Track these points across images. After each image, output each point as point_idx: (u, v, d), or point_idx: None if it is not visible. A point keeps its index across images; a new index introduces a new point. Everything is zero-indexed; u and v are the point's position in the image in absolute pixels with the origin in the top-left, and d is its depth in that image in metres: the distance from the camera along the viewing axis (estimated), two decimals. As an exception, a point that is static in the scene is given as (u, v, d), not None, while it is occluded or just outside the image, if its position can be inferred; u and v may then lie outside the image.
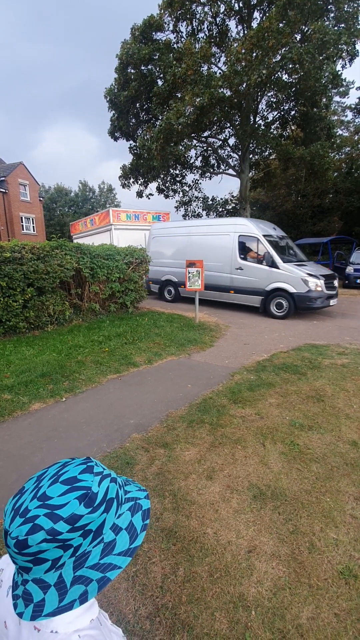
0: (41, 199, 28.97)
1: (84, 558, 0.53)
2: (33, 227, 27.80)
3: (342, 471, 2.65)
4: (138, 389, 4.35)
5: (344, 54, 13.07)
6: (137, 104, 15.87)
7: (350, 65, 14.07)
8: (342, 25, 12.53)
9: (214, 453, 2.88)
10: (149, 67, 14.56)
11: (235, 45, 12.33)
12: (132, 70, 14.60)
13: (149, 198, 18.58)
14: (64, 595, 0.52)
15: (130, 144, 17.04)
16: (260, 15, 14.20)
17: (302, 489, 2.45)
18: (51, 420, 3.57)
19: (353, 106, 23.27)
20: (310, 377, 4.62)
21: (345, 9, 12.22)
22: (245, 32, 13.64)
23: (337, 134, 21.47)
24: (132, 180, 17.34)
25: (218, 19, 14.48)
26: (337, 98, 23.61)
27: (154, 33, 14.26)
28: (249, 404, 3.80)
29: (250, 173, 17.57)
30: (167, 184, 18.85)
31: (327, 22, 12.41)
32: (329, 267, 18.66)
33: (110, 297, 8.46)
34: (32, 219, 27.72)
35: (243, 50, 11.32)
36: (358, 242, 20.11)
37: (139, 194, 18.02)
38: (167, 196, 19.11)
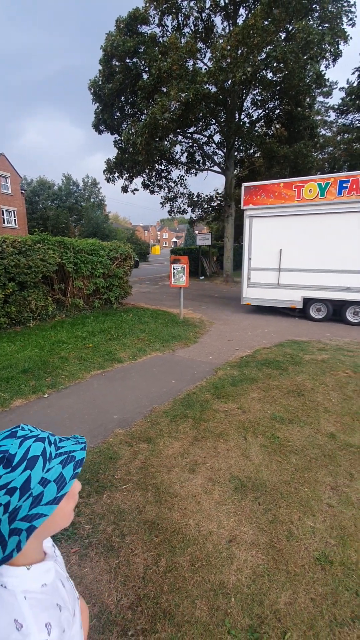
0: (23, 191, 28.28)
1: (16, 513, 0.57)
2: (14, 220, 27.13)
3: (320, 462, 2.74)
4: (122, 385, 4.34)
5: (327, 54, 13.26)
6: (122, 97, 15.66)
7: (333, 66, 14.29)
8: (326, 25, 12.70)
9: (196, 447, 2.92)
10: (134, 60, 14.37)
11: (220, 41, 12.31)
12: (117, 63, 14.38)
13: (134, 193, 18.45)
14: (4, 546, 0.56)
15: (115, 138, 16.82)
16: (246, 12, 14.22)
17: (282, 480, 2.52)
18: (33, 416, 3.52)
19: (336, 107, 23.63)
20: (292, 372, 4.72)
21: (329, 9, 12.38)
22: (231, 28, 13.63)
23: (321, 133, 21.81)
24: (116, 174, 17.12)
25: (204, 15, 14.40)
26: (320, 98, 23.94)
27: (139, 26, 14.07)
28: (231, 399, 3.86)
29: (236, 170, 17.65)
30: (152, 180, 18.72)
31: (311, 22, 12.54)
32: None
33: (95, 292, 8.38)
34: (14, 212, 27.04)
35: (228, 47, 11.32)
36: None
37: (124, 189, 17.84)
38: (152, 192, 18.99)
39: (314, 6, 12.55)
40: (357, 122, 24.64)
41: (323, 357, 5.37)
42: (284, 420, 3.39)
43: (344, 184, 7.70)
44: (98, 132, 16.89)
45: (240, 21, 13.70)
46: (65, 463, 0.62)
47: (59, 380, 4.38)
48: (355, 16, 13.15)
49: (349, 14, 12.98)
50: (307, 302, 8.50)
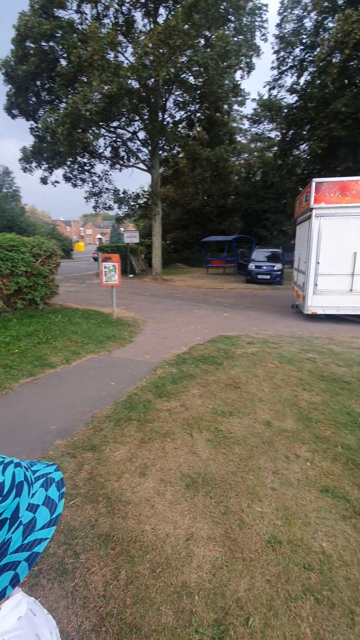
0: None
1: (5, 546, 0.52)
2: None
3: (260, 449, 2.93)
4: (57, 392, 4.06)
5: (243, 65, 14.12)
6: (38, 82, 14.53)
7: (248, 77, 15.34)
8: (241, 37, 13.51)
9: (144, 449, 2.88)
10: (51, 44, 13.43)
11: (142, 37, 12.23)
12: (32, 45, 13.27)
13: (54, 185, 17.35)
14: None
15: (32, 125, 15.56)
16: (166, 12, 14.35)
17: (229, 471, 2.63)
18: None
19: (249, 116, 25.40)
20: (226, 366, 4.95)
21: (244, 21, 13.18)
22: (152, 26, 13.63)
23: (237, 140, 23.22)
24: (34, 164, 15.87)
25: (124, 8, 14.15)
26: (235, 107, 25.46)
27: (55, 9, 13.20)
28: (173, 397, 3.90)
29: (161, 169, 17.78)
30: (74, 172, 17.82)
31: (227, 32, 13.21)
32: (234, 263, 20.24)
33: (17, 292, 7.66)
34: None
35: (150, 44, 11.30)
36: (257, 241, 22.25)
37: (44, 181, 16.62)
38: (75, 185, 18.09)
39: (230, 17, 13.24)
40: (267, 132, 26.86)
41: (252, 350, 5.74)
42: (224, 413, 3.53)
43: None
44: (11, 117, 15.43)
45: (160, 20, 13.77)
46: (47, 485, 0.59)
47: (-18, 392, 3.91)
48: (268, 32, 14.28)
49: (262, 29, 14.02)
50: None
